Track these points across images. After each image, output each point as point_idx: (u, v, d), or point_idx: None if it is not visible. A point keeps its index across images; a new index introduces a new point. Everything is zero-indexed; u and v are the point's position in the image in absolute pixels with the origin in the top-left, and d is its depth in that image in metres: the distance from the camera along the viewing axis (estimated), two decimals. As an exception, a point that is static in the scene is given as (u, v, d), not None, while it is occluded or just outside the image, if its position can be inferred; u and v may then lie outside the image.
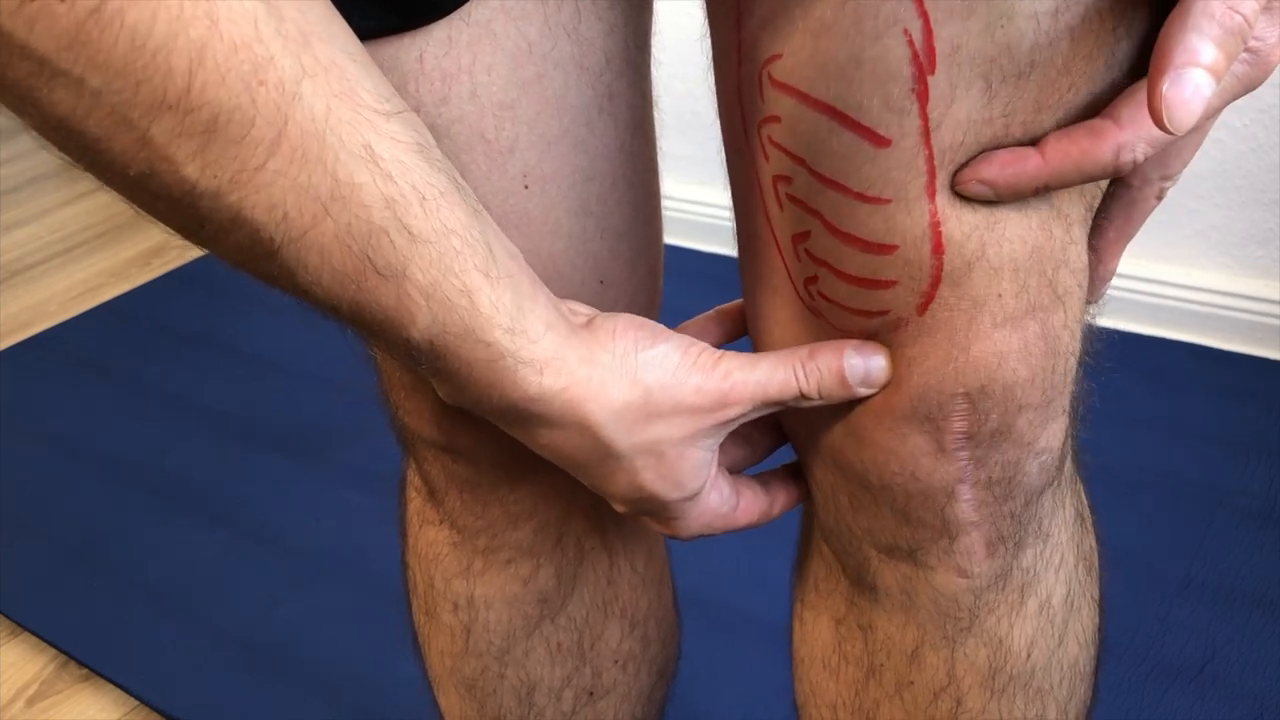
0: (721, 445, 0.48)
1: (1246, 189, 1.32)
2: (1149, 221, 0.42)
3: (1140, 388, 1.30)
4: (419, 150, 0.36)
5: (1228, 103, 0.36)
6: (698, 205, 1.68)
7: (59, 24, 0.28)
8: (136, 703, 1.06)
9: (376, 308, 0.36)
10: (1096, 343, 0.44)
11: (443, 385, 0.41)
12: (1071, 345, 0.41)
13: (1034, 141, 0.36)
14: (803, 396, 0.42)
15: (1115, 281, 1.39)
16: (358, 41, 0.35)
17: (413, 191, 0.35)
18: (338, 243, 0.35)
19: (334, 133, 0.33)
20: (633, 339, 0.41)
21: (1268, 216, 1.33)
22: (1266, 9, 0.34)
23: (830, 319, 0.42)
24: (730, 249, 0.47)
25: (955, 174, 0.36)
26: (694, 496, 0.44)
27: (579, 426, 0.40)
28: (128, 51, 0.29)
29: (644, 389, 0.41)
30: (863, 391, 0.41)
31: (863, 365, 0.41)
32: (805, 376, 0.42)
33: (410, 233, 0.35)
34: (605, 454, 0.41)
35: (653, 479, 0.42)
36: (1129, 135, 0.34)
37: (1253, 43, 0.35)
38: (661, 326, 0.43)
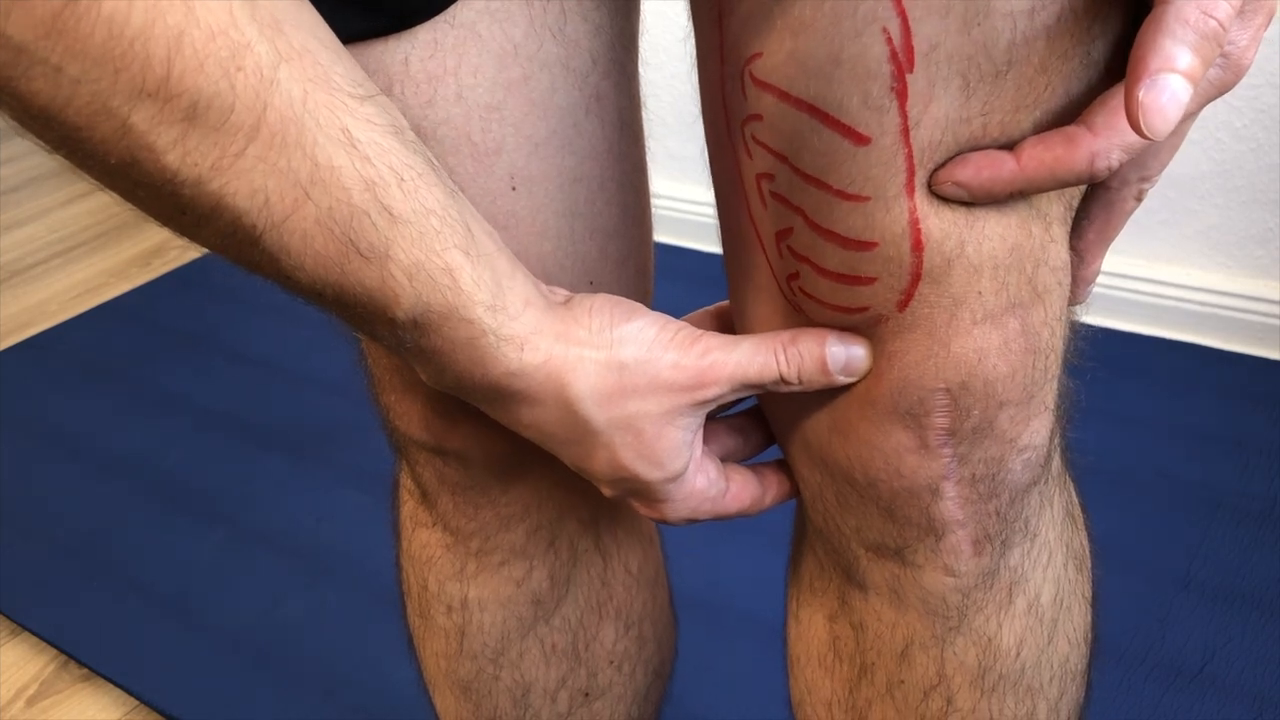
0: (714, 435, 0.48)
1: (1246, 189, 1.32)
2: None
3: (1140, 388, 1.30)
4: (395, 133, 0.36)
5: (1202, 106, 0.36)
6: (696, 205, 1.68)
7: (35, 12, 0.28)
8: (136, 703, 1.07)
9: (361, 290, 0.37)
10: (1082, 342, 0.44)
11: (426, 367, 0.41)
12: (1052, 342, 0.41)
13: (1012, 142, 0.36)
14: (782, 380, 0.42)
15: (1116, 282, 1.40)
16: (326, 27, 0.36)
17: (390, 173, 0.36)
18: (319, 227, 0.35)
19: (312, 117, 0.33)
20: (609, 315, 0.41)
21: (1267, 216, 1.32)
22: (1239, 13, 0.33)
23: (811, 314, 0.42)
24: (726, 249, 0.47)
25: (932, 174, 0.36)
26: (677, 478, 0.44)
27: (557, 401, 0.41)
28: (105, 39, 0.29)
29: (619, 364, 0.41)
30: (843, 379, 0.41)
31: (844, 353, 0.41)
32: (786, 360, 0.42)
33: (391, 214, 0.36)
34: (584, 430, 0.42)
35: (632, 457, 0.42)
36: (1103, 142, 0.34)
37: (1225, 46, 0.34)
38: (640, 305, 0.43)
